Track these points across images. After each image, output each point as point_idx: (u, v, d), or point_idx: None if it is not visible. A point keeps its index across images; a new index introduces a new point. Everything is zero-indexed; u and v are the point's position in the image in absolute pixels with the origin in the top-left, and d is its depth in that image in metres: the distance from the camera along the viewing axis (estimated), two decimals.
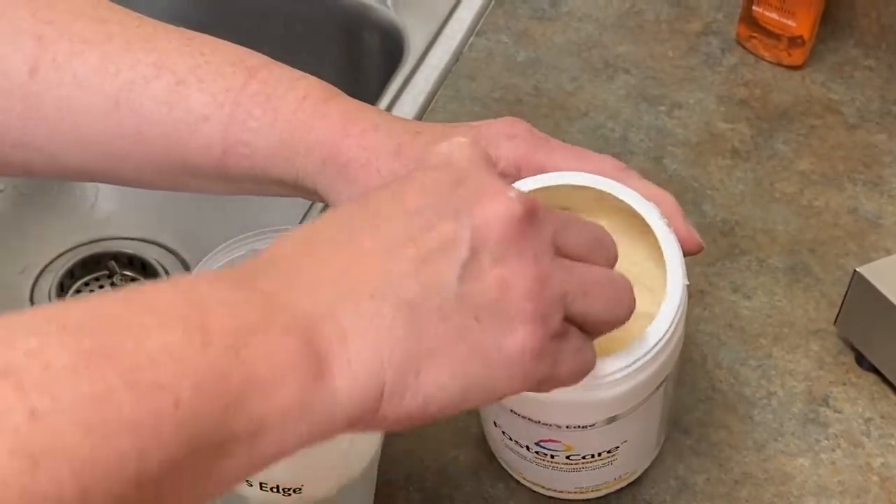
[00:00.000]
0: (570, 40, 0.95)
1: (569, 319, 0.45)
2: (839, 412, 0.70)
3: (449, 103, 0.90)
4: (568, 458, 0.60)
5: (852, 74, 0.92)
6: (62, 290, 0.97)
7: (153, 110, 0.58)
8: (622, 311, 0.48)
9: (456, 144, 0.47)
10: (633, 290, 0.48)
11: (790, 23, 0.90)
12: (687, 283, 0.56)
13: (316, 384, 0.39)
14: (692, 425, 0.70)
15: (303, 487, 0.56)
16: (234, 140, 0.58)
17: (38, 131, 0.58)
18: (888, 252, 0.79)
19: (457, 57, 0.94)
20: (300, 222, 0.80)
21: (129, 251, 0.99)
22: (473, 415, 0.68)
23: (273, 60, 0.60)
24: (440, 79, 0.91)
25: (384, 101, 0.89)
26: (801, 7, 0.89)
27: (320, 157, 0.58)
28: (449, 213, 0.43)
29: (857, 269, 0.70)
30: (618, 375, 0.53)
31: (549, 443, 0.59)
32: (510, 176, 0.59)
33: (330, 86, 0.60)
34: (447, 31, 0.95)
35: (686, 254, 0.58)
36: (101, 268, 0.99)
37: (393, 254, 0.42)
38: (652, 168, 0.84)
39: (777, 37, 0.91)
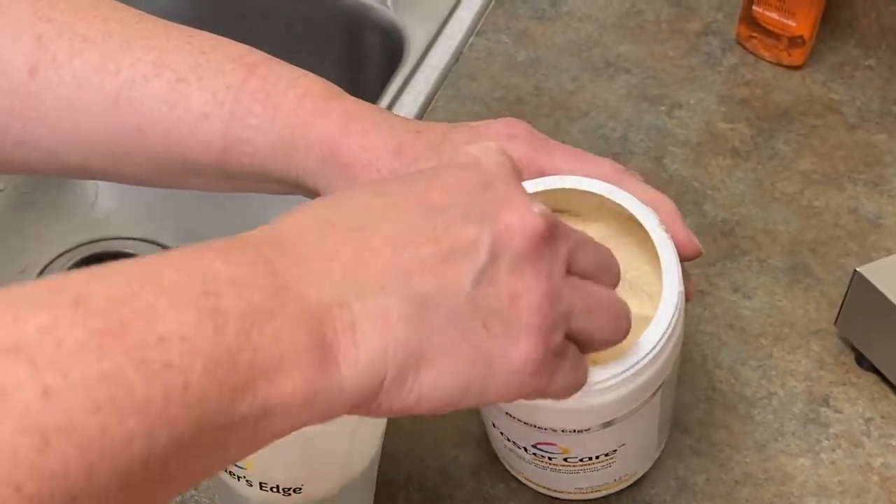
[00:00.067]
0: (570, 40, 0.95)
1: (568, 336, 0.46)
2: (839, 412, 0.70)
3: (449, 103, 0.90)
4: (565, 460, 0.60)
5: (853, 74, 0.92)
6: None
7: (153, 109, 0.58)
8: (619, 332, 0.48)
9: (486, 148, 0.47)
10: (630, 314, 0.49)
11: (790, 23, 0.90)
12: (682, 288, 0.55)
13: (322, 374, 0.40)
14: (692, 425, 0.70)
15: (303, 487, 0.56)
16: (234, 137, 0.58)
17: (38, 130, 0.58)
18: (889, 252, 0.79)
19: (457, 57, 0.94)
20: None
21: (130, 251, 0.99)
22: (474, 414, 0.68)
23: (272, 57, 0.60)
24: (440, 79, 0.91)
25: (384, 101, 0.89)
26: (802, 7, 0.89)
27: (320, 156, 0.58)
28: (474, 216, 0.43)
29: (858, 269, 0.70)
30: (611, 382, 0.53)
31: (546, 445, 0.59)
32: None
33: (330, 83, 0.60)
34: (447, 30, 0.95)
35: (685, 259, 0.58)
36: None
37: (410, 247, 0.42)
38: (652, 168, 0.84)
39: (777, 37, 0.91)
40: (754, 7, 0.91)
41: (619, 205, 0.57)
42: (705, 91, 0.91)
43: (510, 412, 0.58)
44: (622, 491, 0.65)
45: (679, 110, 0.89)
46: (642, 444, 0.62)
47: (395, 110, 0.88)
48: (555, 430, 0.57)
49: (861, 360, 0.72)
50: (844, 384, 0.72)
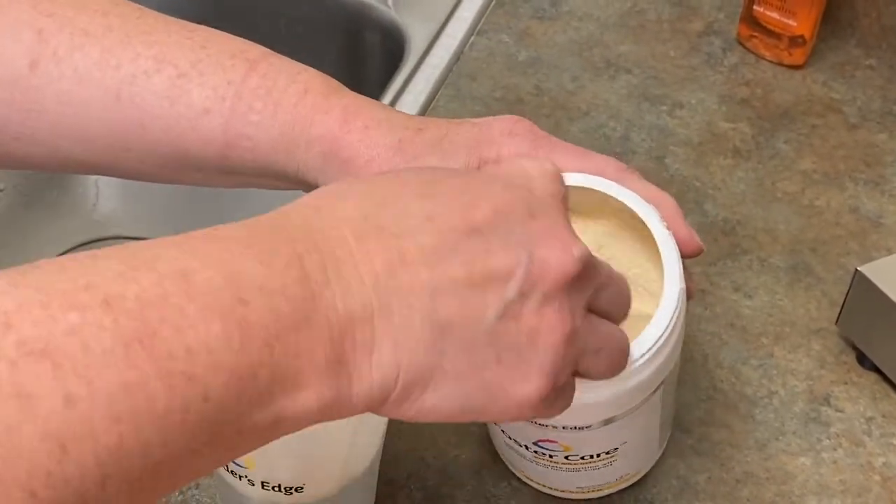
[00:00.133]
0: (571, 40, 0.95)
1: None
2: (840, 411, 0.70)
3: (450, 103, 0.90)
4: (566, 458, 0.60)
5: (853, 74, 0.92)
6: None
7: (154, 104, 0.58)
8: (617, 370, 0.49)
9: (543, 171, 0.47)
10: (629, 348, 0.49)
11: (791, 22, 0.90)
12: (683, 285, 0.55)
13: (335, 389, 0.40)
14: (693, 425, 0.70)
15: (304, 487, 0.56)
16: (235, 133, 0.58)
17: (39, 124, 0.58)
18: (889, 251, 0.79)
19: (458, 56, 0.94)
20: None
21: None
22: None
23: (273, 52, 0.60)
24: (441, 78, 0.91)
25: (385, 101, 0.89)
26: (802, 7, 0.89)
27: (321, 152, 0.58)
28: (512, 246, 0.43)
29: (859, 269, 0.70)
30: (613, 379, 0.53)
31: (547, 443, 0.59)
32: None
33: (331, 79, 0.60)
34: (448, 30, 0.95)
35: (686, 256, 0.58)
36: None
37: (444, 268, 0.42)
38: (653, 168, 0.85)
39: (778, 36, 0.91)
40: (755, 7, 0.91)
41: (620, 202, 0.57)
42: (706, 91, 0.91)
43: None
44: (623, 490, 0.65)
45: (680, 110, 0.89)
46: (643, 442, 0.62)
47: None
48: (556, 428, 0.57)
49: (862, 360, 0.72)
50: (845, 383, 0.72)
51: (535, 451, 0.60)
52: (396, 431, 0.65)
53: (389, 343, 0.41)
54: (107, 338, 0.34)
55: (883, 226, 0.81)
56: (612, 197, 0.58)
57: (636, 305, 0.57)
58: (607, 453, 0.60)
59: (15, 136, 0.59)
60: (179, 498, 0.65)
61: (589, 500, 0.65)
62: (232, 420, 0.37)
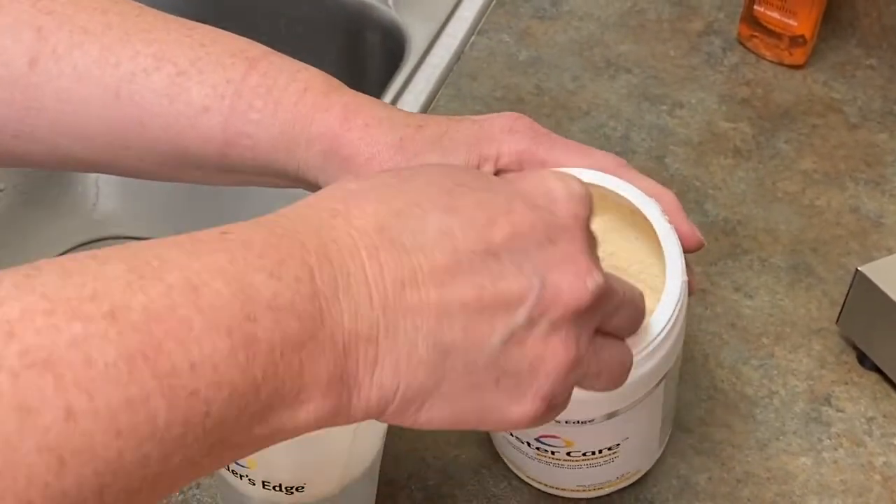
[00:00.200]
0: (571, 39, 0.95)
1: None
2: (841, 411, 0.70)
3: (450, 102, 0.90)
4: (568, 454, 0.60)
5: (854, 74, 0.92)
6: None
7: (154, 102, 0.58)
8: (613, 388, 0.48)
9: (569, 191, 0.45)
10: (631, 366, 0.49)
11: (792, 22, 0.90)
12: (685, 279, 0.56)
13: (336, 405, 0.40)
14: (694, 424, 0.70)
15: (305, 486, 0.56)
16: (234, 131, 0.58)
17: (38, 122, 0.58)
18: (890, 251, 0.79)
19: (458, 56, 0.94)
20: None
21: None
22: None
23: (273, 51, 0.60)
24: (441, 78, 0.91)
25: (386, 100, 0.89)
26: (803, 6, 0.89)
27: (321, 150, 0.58)
28: (527, 271, 0.42)
29: (859, 269, 0.70)
30: None
31: (549, 438, 0.59)
32: (512, 170, 0.59)
33: (331, 77, 0.60)
34: (448, 30, 0.95)
35: (687, 250, 0.58)
36: None
37: (453, 289, 0.41)
38: (654, 167, 0.84)
39: (778, 36, 0.91)
40: (755, 6, 0.91)
41: (621, 197, 0.57)
42: (706, 90, 0.91)
43: None
44: (624, 489, 0.65)
45: (680, 110, 0.89)
46: (645, 439, 0.62)
47: None
48: (559, 422, 0.57)
49: (863, 360, 0.72)
50: (846, 383, 0.72)
51: (538, 448, 0.60)
52: (397, 431, 0.65)
53: (392, 363, 0.41)
54: (111, 351, 0.34)
55: (883, 226, 0.81)
56: (612, 192, 0.58)
57: None
58: (609, 449, 0.60)
59: (14, 134, 0.59)
60: (180, 498, 0.65)
61: (590, 499, 0.65)
62: (231, 433, 0.37)
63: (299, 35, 1.03)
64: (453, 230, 0.42)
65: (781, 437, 0.69)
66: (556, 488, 0.64)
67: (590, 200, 0.46)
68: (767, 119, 0.89)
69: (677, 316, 0.55)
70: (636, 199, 0.57)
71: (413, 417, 0.42)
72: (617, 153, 0.68)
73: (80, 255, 0.37)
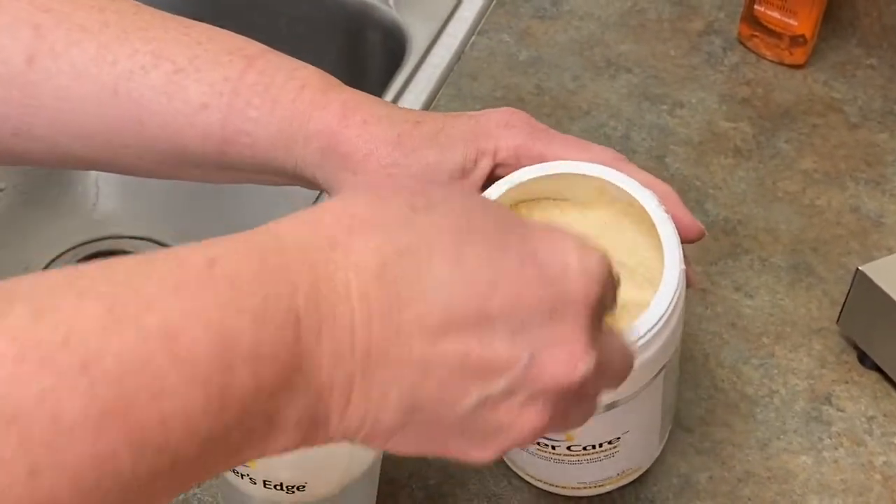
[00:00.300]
0: (571, 39, 0.95)
1: None
2: (842, 411, 0.70)
3: (451, 102, 0.90)
4: (569, 448, 0.60)
5: (854, 73, 0.92)
6: None
7: (152, 100, 0.58)
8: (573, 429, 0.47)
9: (582, 267, 0.42)
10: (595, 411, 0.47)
11: (792, 22, 0.90)
12: (683, 268, 0.56)
13: (304, 439, 0.40)
14: (694, 424, 0.70)
15: (306, 485, 0.56)
16: (233, 129, 0.58)
17: (36, 120, 0.58)
18: (890, 251, 0.79)
19: (458, 56, 0.94)
20: None
21: (131, 250, 0.99)
22: None
23: (270, 49, 0.60)
24: (442, 78, 0.91)
25: (386, 100, 0.89)
26: (803, 6, 0.89)
27: (319, 147, 0.58)
28: (517, 343, 0.40)
29: (860, 268, 0.70)
30: None
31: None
32: (509, 165, 0.59)
33: (328, 75, 0.60)
34: (449, 30, 0.95)
35: (687, 241, 0.58)
36: None
37: (437, 349, 0.40)
38: (654, 167, 0.85)
39: (779, 36, 0.91)
40: (756, 6, 0.91)
41: (619, 189, 0.57)
42: (707, 90, 0.91)
43: None
44: (624, 488, 0.65)
45: (681, 109, 0.89)
46: (645, 432, 0.62)
47: None
48: None
49: (863, 359, 0.72)
50: (846, 382, 0.72)
51: (538, 443, 0.60)
52: None
53: (361, 408, 0.40)
54: (80, 407, 0.33)
55: (884, 225, 0.81)
56: (610, 183, 0.58)
57: (636, 294, 0.57)
58: (609, 443, 0.60)
59: (13, 133, 0.59)
60: (181, 497, 0.65)
61: (591, 496, 0.65)
62: (198, 474, 0.37)
63: (300, 34, 1.03)
64: (453, 285, 0.40)
65: (782, 437, 0.69)
66: (557, 486, 0.64)
67: (606, 278, 0.43)
68: (768, 119, 0.89)
69: (675, 304, 0.55)
70: (634, 190, 0.57)
71: (378, 445, 0.42)
72: (617, 152, 0.69)
73: (61, 280, 0.35)
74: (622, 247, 0.60)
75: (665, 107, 0.89)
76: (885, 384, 0.72)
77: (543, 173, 0.58)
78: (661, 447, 0.66)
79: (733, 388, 0.72)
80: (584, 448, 0.60)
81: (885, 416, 0.70)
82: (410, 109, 0.62)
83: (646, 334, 0.54)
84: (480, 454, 0.43)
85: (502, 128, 0.59)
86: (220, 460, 0.37)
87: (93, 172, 1.00)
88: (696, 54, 0.94)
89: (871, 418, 0.70)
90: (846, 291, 0.72)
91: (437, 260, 0.40)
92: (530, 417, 0.41)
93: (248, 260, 0.38)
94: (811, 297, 0.77)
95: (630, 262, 0.59)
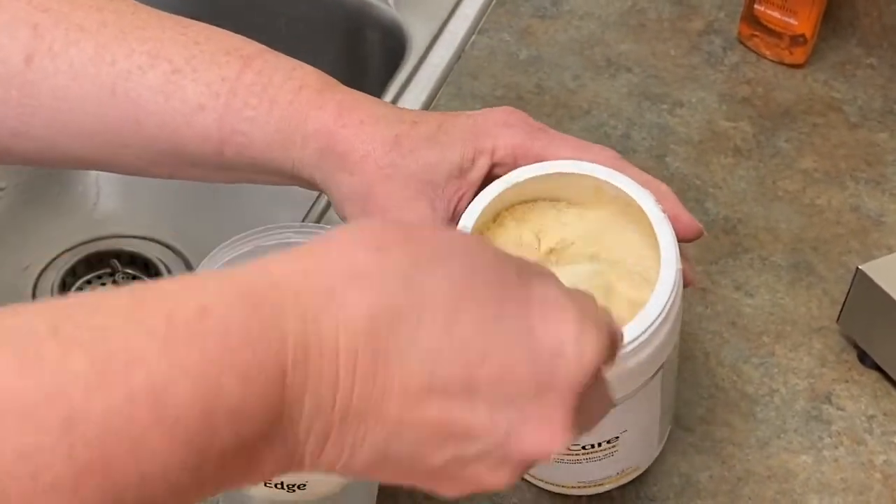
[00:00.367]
0: (572, 38, 0.95)
1: None
2: (842, 410, 0.70)
3: (451, 101, 0.90)
4: (569, 448, 0.60)
5: (854, 73, 0.92)
6: (64, 287, 0.97)
7: (149, 99, 0.58)
8: None
9: (577, 352, 0.42)
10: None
11: (792, 21, 0.90)
12: (680, 267, 0.56)
13: (281, 474, 0.40)
14: (695, 423, 0.70)
15: (307, 484, 0.56)
16: (230, 129, 0.58)
17: (34, 120, 0.58)
18: (890, 250, 0.79)
19: (459, 55, 0.94)
20: (303, 219, 0.80)
21: (131, 249, 0.99)
22: None
23: (268, 48, 0.60)
24: (442, 77, 0.91)
25: (386, 99, 0.89)
26: (803, 6, 0.89)
27: (317, 148, 0.58)
28: (498, 416, 0.41)
29: (860, 267, 0.70)
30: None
31: None
32: (507, 164, 0.59)
33: (325, 75, 0.60)
34: (449, 28, 0.95)
35: (686, 239, 0.58)
36: (103, 266, 0.99)
37: (416, 413, 0.40)
38: (654, 166, 0.85)
39: (779, 35, 0.91)
40: (756, 6, 0.91)
41: (616, 188, 0.58)
42: (707, 89, 0.91)
43: None
44: (625, 487, 0.65)
45: (681, 109, 0.89)
46: (644, 431, 0.62)
47: None
48: None
49: (863, 358, 0.72)
50: (847, 381, 0.72)
51: None
52: None
53: (335, 454, 0.40)
54: (59, 466, 0.33)
55: (884, 224, 0.81)
56: (607, 183, 0.58)
57: (634, 293, 0.57)
58: (608, 442, 0.60)
59: (11, 133, 0.59)
60: None
61: (590, 496, 0.65)
62: None
63: (299, 34, 1.03)
64: (441, 352, 0.40)
65: (782, 436, 0.69)
66: (557, 485, 0.64)
67: (597, 365, 0.43)
68: (768, 118, 0.89)
69: (672, 303, 0.55)
70: (631, 189, 0.57)
71: (352, 478, 0.44)
72: (617, 152, 0.69)
73: (46, 324, 0.35)
74: (620, 246, 0.60)
75: (665, 106, 0.89)
76: (885, 383, 0.72)
77: (541, 173, 0.58)
78: (661, 447, 0.66)
79: (733, 387, 0.72)
80: (584, 447, 0.60)
81: (885, 415, 0.70)
82: (408, 109, 0.62)
83: (642, 334, 0.54)
84: (448, 493, 0.43)
85: (500, 127, 0.59)
86: (197, 500, 0.37)
87: (93, 172, 1.00)
88: (696, 54, 0.94)
89: (871, 417, 0.70)
90: (846, 290, 0.72)
91: (428, 325, 0.40)
92: (498, 477, 0.42)
93: (241, 310, 0.37)
94: (811, 297, 0.77)
95: (628, 261, 0.59)
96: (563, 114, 0.89)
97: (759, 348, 0.74)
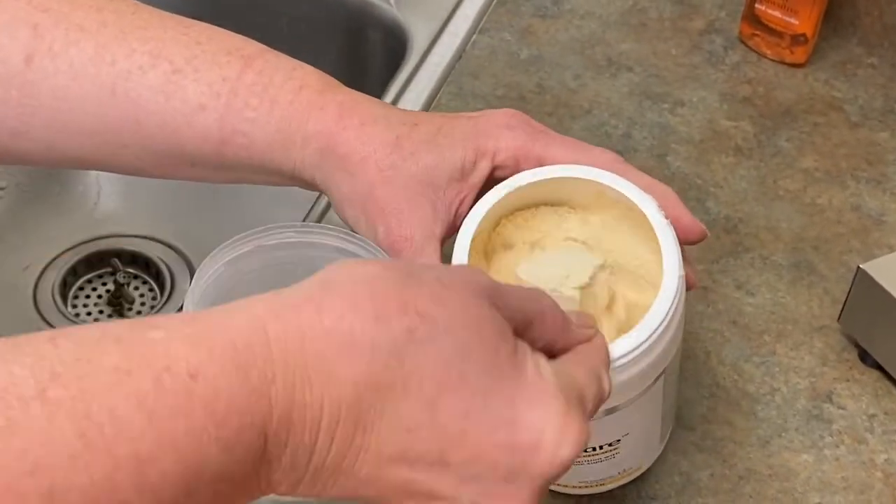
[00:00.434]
0: (573, 38, 0.95)
1: None
2: (843, 408, 0.70)
3: (452, 101, 0.90)
4: None
5: (855, 72, 0.92)
6: (65, 286, 0.97)
7: (150, 99, 0.58)
8: None
9: (553, 455, 0.43)
10: None
11: (793, 21, 0.90)
12: (682, 274, 0.56)
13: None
14: (696, 421, 0.70)
15: None
16: (231, 130, 0.58)
17: (34, 120, 0.58)
18: (891, 249, 0.79)
19: (460, 54, 0.94)
20: (304, 219, 0.80)
21: (132, 248, 1.00)
22: None
23: (268, 48, 0.60)
24: (443, 76, 0.91)
25: (387, 99, 0.89)
26: (804, 5, 0.89)
27: (317, 149, 0.58)
28: (464, 490, 0.42)
29: (861, 266, 0.70)
30: (614, 365, 0.53)
31: None
32: (508, 167, 0.59)
33: (326, 75, 0.60)
34: (450, 28, 0.95)
35: (691, 242, 0.58)
36: (103, 265, 0.99)
37: (385, 479, 0.41)
38: (655, 165, 0.85)
39: (780, 35, 0.91)
40: (757, 5, 0.91)
41: (618, 192, 0.57)
42: (708, 89, 0.91)
43: None
44: (626, 485, 0.65)
45: (682, 108, 0.89)
46: (645, 434, 0.62)
47: None
48: None
49: (864, 357, 0.72)
50: (848, 381, 0.72)
51: None
52: None
53: (306, 492, 0.41)
54: None
55: (885, 223, 0.81)
56: (609, 187, 0.58)
57: (636, 296, 0.57)
58: (609, 445, 0.60)
59: (11, 132, 0.59)
60: None
61: (591, 495, 0.65)
62: None
63: (300, 34, 1.03)
64: (420, 430, 0.41)
65: (783, 434, 0.69)
66: (559, 484, 0.64)
67: (572, 460, 0.43)
68: (769, 117, 0.89)
69: (674, 311, 0.55)
70: (633, 194, 0.57)
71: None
72: (618, 151, 0.69)
73: (32, 382, 0.34)
74: (623, 250, 0.60)
75: (666, 105, 0.89)
76: (886, 382, 0.72)
77: (542, 177, 0.58)
78: (663, 446, 0.66)
79: (734, 386, 0.72)
80: (584, 450, 0.60)
81: (885, 413, 0.70)
82: (408, 110, 0.62)
83: (644, 342, 0.54)
84: None
85: (502, 128, 0.59)
86: None
87: (94, 171, 1.00)
88: (697, 53, 0.94)
89: (872, 416, 0.70)
90: (847, 289, 0.72)
91: (412, 401, 0.41)
92: None
93: (230, 377, 0.38)
94: (812, 296, 0.77)
95: (631, 265, 0.59)
96: (564, 113, 0.89)
97: (760, 347, 0.74)
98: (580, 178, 0.58)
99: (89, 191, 1.03)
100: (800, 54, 0.92)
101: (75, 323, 0.95)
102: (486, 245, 0.60)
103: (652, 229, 0.57)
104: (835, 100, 0.90)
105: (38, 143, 0.60)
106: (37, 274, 0.97)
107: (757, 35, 0.93)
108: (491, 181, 0.59)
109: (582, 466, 0.61)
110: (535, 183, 0.58)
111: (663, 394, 0.59)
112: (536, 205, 0.61)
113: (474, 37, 0.95)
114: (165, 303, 0.96)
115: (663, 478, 0.67)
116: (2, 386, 0.34)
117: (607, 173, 0.58)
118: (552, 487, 0.65)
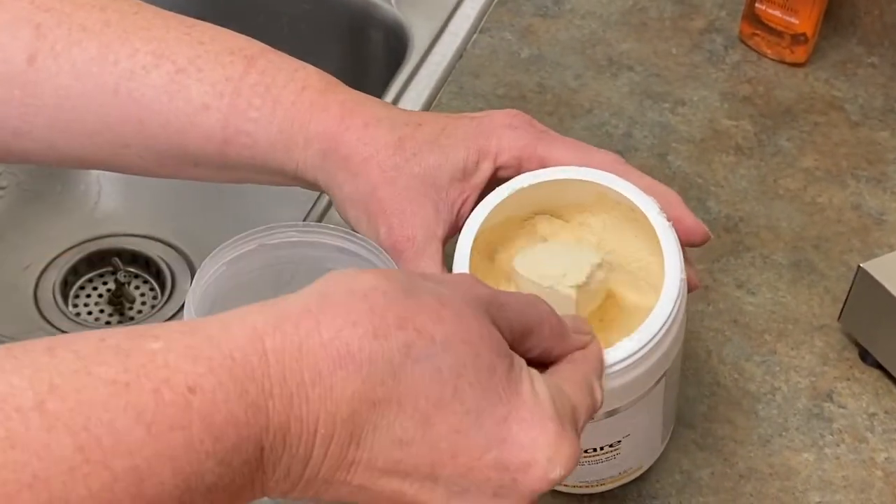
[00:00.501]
0: (573, 37, 0.95)
1: None
2: (843, 407, 0.71)
3: (453, 100, 0.90)
4: None
5: (855, 72, 0.92)
6: (66, 286, 0.97)
7: (153, 99, 0.58)
8: None
9: (544, 474, 0.43)
10: None
11: (793, 20, 0.90)
12: (684, 276, 0.56)
13: None
14: (697, 420, 0.70)
15: None
16: (234, 130, 0.58)
17: (37, 120, 0.58)
18: (892, 248, 0.79)
19: (460, 54, 0.94)
20: (305, 218, 0.80)
21: (133, 248, 1.00)
22: None
23: (271, 49, 0.60)
24: (444, 76, 0.92)
25: (388, 99, 0.89)
26: (804, 4, 0.89)
27: (320, 150, 0.58)
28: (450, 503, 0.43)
29: (861, 265, 0.70)
30: (615, 369, 0.53)
31: None
32: (511, 167, 0.59)
33: (328, 76, 0.60)
34: (451, 27, 0.95)
35: (693, 244, 0.58)
36: (104, 264, 0.99)
37: (376, 483, 0.42)
38: (656, 165, 0.85)
39: (780, 34, 0.91)
40: (757, 5, 0.91)
41: (619, 194, 0.57)
42: (708, 88, 0.91)
43: None
44: (626, 484, 0.65)
45: (682, 107, 0.89)
46: (646, 435, 0.62)
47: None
48: None
49: (865, 356, 0.72)
50: (848, 379, 0.72)
51: None
52: None
53: (298, 497, 0.42)
54: None
55: (885, 223, 0.81)
56: (611, 189, 0.58)
57: (639, 299, 0.57)
58: (610, 446, 0.60)
59: (14, 132, 0.59)
60: None
61: (593, 494, 0.65)
62: None
63: (301, 33, 1.03)
64: (413, 445, 0.41)
65: (784, 433, 0.69)
66: (560, 485, 0.64)
67: (563, 479, 0.44)
68: (769, 117, 0.89)
69: (676, 314, 0.55)
70: (634, 196, 0.57)
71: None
72: (619, 151, 0.69)
73: (30, 396, 0.34)
74: (624, 252, 0.60)
75: (667, 105, 0.90)
76: (887, 381, 0.72)
77: (543, 179, 0.58)
78: (664, 446, 0.66)
79: (735, 384, 0.72)
80: (585, 451, 0.60)
81: (886, 412, 0.70)
82: (410, 111, 0.62)
83: (645, 345, 0.54)
84: None
85: (505, 129, 0.59)
86: None
87: (95, 171, 1.01)
88: (697, 52, 0.94)
89: (872, 415, 0.70)
90: (847, 289, 0.72)
91: (406, 417, 0.41)
92: None
93: (228, 392, 0.38)
94: (813, 295, 0.77)
95: (632, 267, 0.59)
96: (564, 113, 0.89)
97: (760, 346, 0.74)
98: (581, 180, 0.58)
99: (90, 190, 1.03)
100: (800, 54, 0.92)
101: (76, 322, 0.95)
102: (488, 246, 0.60)
103: (653, 231, 0.57)
104: (835, 99, 0.90)
105: (41, 143, 0.60)
106: (37, 273, 0.97)
107: (757, 34, 0.93)
108: (493, 182, 0.59)
109: (582, 467, 0.61)
110: (537, 184, 0.58)
111: (664, 396, 0.59)
112: (536, 213, 0.61)
113: (475, 36, 0.95)
114: (166, 302, 0.97)
115: (664, 476, 0.67)
116: (0, 397, 0.34)
117: (609, 175, 0.58)
118: (555, 487, 0.65)
